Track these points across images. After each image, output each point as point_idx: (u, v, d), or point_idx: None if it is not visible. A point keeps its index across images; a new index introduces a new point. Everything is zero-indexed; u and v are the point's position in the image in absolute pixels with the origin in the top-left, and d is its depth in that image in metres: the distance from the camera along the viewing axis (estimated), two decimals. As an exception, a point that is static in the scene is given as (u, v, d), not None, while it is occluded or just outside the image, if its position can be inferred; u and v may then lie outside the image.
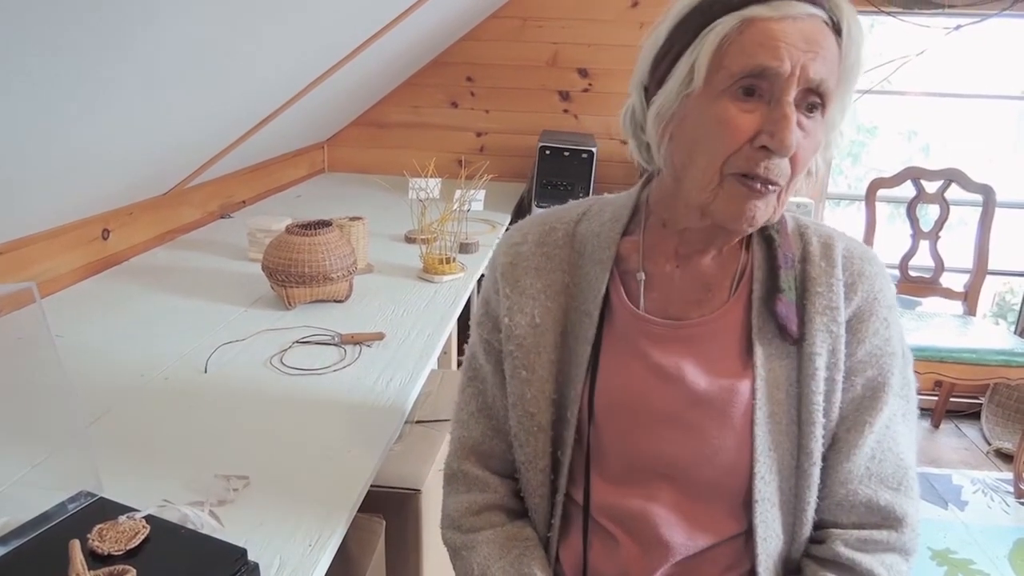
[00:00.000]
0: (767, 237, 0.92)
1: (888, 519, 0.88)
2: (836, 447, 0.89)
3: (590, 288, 0.93)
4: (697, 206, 0.85)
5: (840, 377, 0.87)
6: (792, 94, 0.77)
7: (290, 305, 1.67)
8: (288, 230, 1.68)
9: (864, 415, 0.88)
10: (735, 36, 0.78)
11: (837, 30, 0.79)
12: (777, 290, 0.88)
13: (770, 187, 0.81)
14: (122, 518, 0.85)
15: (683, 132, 0.84)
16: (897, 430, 0.90)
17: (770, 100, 0.78)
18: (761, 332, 0.89)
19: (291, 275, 1.62)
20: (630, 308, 0.92)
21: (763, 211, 0.82)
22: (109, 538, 0.82)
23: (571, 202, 1.02)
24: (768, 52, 0.77)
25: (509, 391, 0.95)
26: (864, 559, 0.86)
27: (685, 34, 0.81)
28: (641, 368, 0.91)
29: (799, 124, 0.79)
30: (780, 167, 0.79)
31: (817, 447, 0.86)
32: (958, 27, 2.91)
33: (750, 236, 0.92)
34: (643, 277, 0.93)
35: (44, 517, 0.86)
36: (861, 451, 0.87)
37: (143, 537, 0.83)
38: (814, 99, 0.79)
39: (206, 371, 1.37)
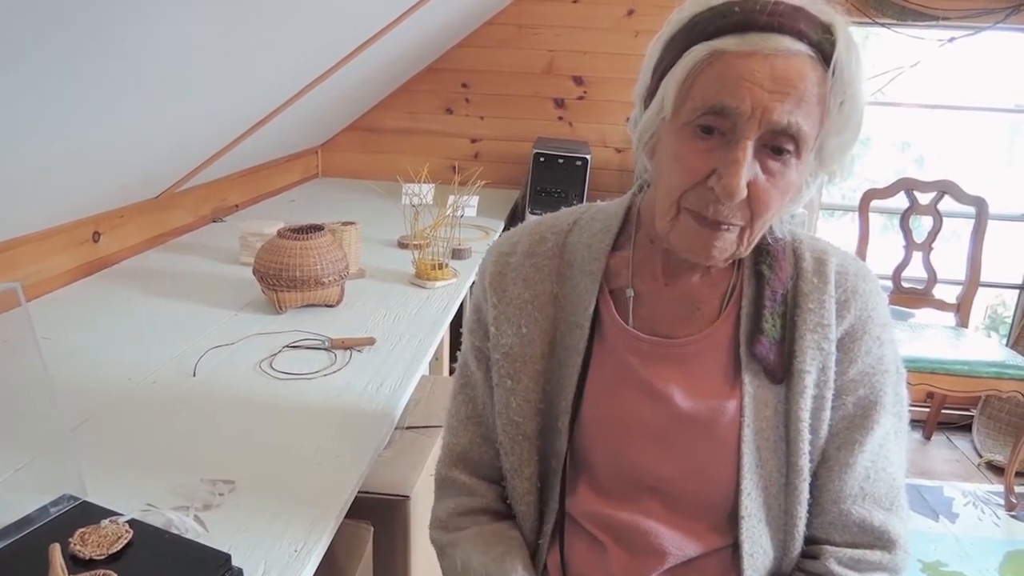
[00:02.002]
0: (759, 272, 0.90)
1: (881, 539, 0.87)
2: (827, 465, 0.88)
3: (580, 300, 0.92)
4: (661, 232, 0.84)
5: (830, 395, 0.86)
6: (752, 136, 0.74)
7: (281, 309, 1.67)
8: (280, 234, 1.67)
9: (855, 433, 0.87)
10: (704, 68, 0.76)
11: (828, 63, 0.74)
12: (759, 331, 0.87)
13: (723, 227, 0.79)
14: (105, 522, 0.84)
15: (658, 155, 0.84)
16: (890, 449, 0.89)
17: (730, 140, 0.75)
18: (749, 352, 0.88)
19: (282, 279, 1.62)
20: (620, 324, 0.91)
21: (720, 249, 0.81)
22: (91, 542, 0.81)
23: (564, 210, 1.01)
24: (728, 90, 0.73)
25: (495, 399, 0.95)
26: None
27: (669, 55, 0.80)
28: (629, 384, 0.90)
29: (764, 167, 0.76)
30: (731, 210, 0.77)
31: (806, 463, 0.86)
32: (952, 39, 2.93)
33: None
34: (632, 294, 0.92)
35: (26, 521, 0.85)
36: (853, 470, 0.86)
37: (126, 541, 0.82)
38: (784, 142, 0.75)
39: (195, 375, 1.36)
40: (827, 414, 0.86)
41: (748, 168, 0.75)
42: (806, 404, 0.85)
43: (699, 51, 0.75)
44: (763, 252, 0.90)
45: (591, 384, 0.91)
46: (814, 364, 0.86)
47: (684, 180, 0.78)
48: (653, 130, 0.83)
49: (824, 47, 0.74)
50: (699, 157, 0.77)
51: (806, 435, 0.85)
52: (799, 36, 0.73)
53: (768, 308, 0.87)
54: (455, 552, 0.95)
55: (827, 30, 0.74)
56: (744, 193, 0.75)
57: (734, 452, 0.85)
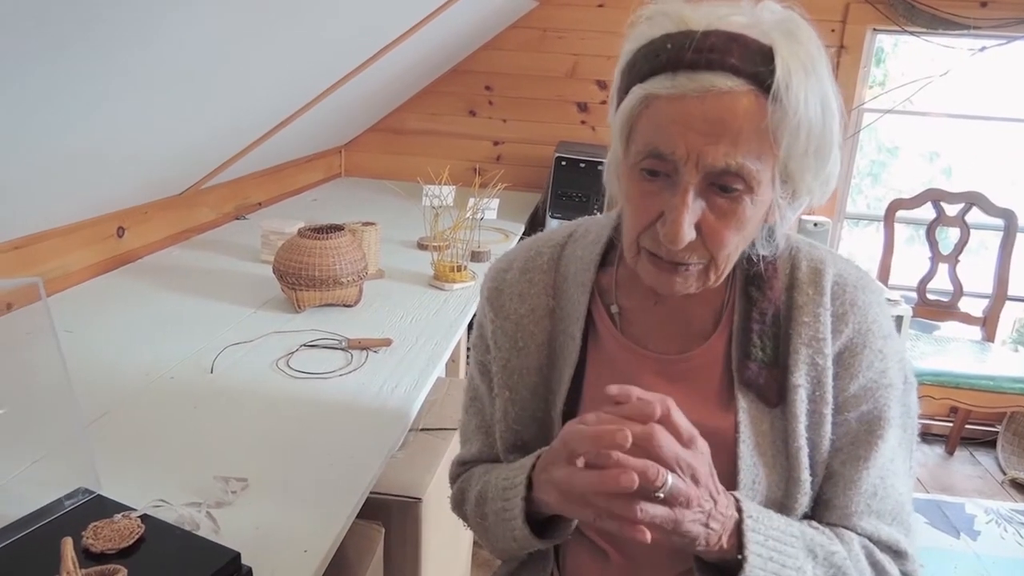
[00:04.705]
0: (747, 293, 0.87)
1: (890, 551, 0.86)
2: (832, 481, 0.86)
3: (573, 311, 0.92)
4: (631, 265, 0.84)
5: (828, 411, 0.84)
6: (693, 180, 0.72)
7: (299, 308, 1.67)
8: (300, 233, 1.68)
9: (859, 449, 0.85)
10: (641, 111, 0.75)
11: (774, 92, 0.69)
12: (746, 356, 0.85)
13: (680, 267, 0.78)
14: (117, 516, 0.85)
15: (621, 188, 0.83)
16: (897, 464, 0.87)
17: (674, 182, 0.74)
18: (742, 365, 0.86)
19: (301, 278, 1.62)
20: (616, 335, 0.91)
21: (683, 285, 0.80)
22: (103, 536, 0.82)
23: (561, 225, 1.02)
24: (662, 137, 0.72)
25: (495, 408, 0.96)
26: (876, 551, 0.84)
27: (620, 92, 0.79)
28: None
29: (714, 206, 0.74)
30: (685, 251, 0.76)
31: (807, 477, 0.84)
32: (983, 48, 2.88)
33: (733, 270, 0.88)
34: (617, 310, 0.92)
35: (40, 513, 0.86)
36: (859, 487, 0.84)
37: (137, 536, 0.83)
38: (730, 181, 0.73)
39: (212, 371, 1.37)
40: (827, 429, 0.84)
41: (691, 212, 0.74)
42: (802, 419, 0.83)
43: (635, 95, 0.75)
44: (752, 273, 0.87)
45: (588, 393, 0.91)
46: (808, 379, 0.84)
47: (637, 222, 0.78)
48: (616, 163, 0.83)
49: (762, 77, 0.69)
50: (647, 200, 0.77)
51: (805, 449, 0.84)
52: (732, 71, 0.69)
53: (756, 331, 0.85)
54: (469, 487, 0.97)
55: (766, 57, 0.70)
56: (689, 237, 0.74)
57: (730, 468, 0.83)
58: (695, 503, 0.71)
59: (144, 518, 0.86)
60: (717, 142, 0.71)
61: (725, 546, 0.75)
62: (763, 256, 0.86)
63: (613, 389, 0.72)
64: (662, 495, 0.69)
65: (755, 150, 0.72)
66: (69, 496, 0.89)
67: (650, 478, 0.67)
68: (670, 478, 0.69)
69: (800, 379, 0.84)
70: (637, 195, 0.78)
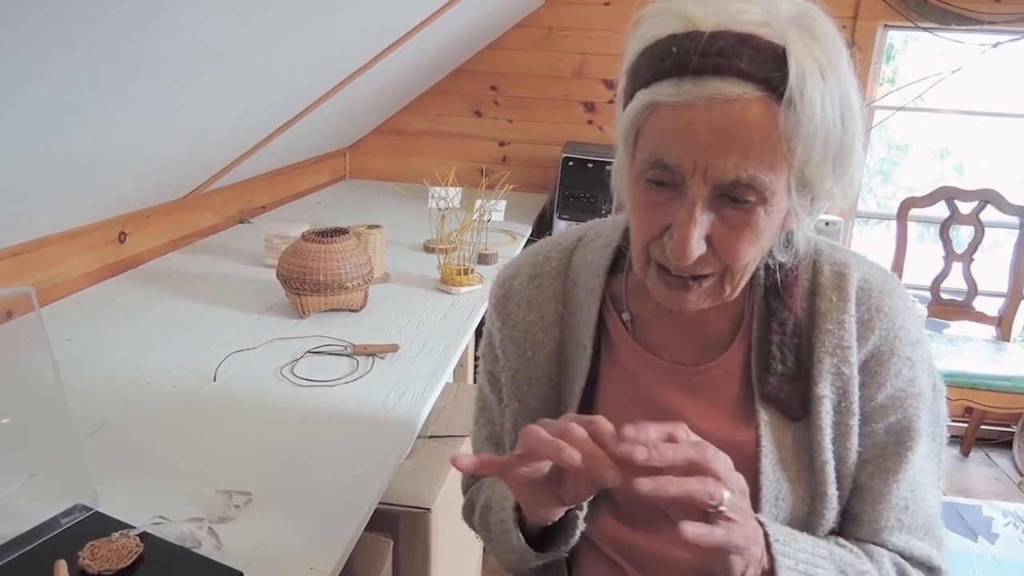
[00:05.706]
0: (769, 305, 0.82)
1: (922, 567, 0.82)
2: (860, 495, 0.82)
3: (584, 318, 0.89)
4: (639, 276, 0.79)
5: (854, 422, 0.80)
6: (701, 193, 0.68)
7: (304, 313, 1.64)
8: (304, 237, 1.65)
9: (887, 462, 0.81)
10: (646, 117, 0.70)
11: (787, 98, 0.64)
12: (767, 370, 0.81)
13: (691, 281, 0.74)
14: (116, 535, 0.82)
15: (628, 194, 0.78)
16: (928, 475, 0.83)
17: (682, 193, 0.69)
18: (762, 379, 0.82)
19: (305, 283, 1.59)
20: (631, 344, 0.87)
21: (694, 300, 0.75)
22: (101, 556, 0.79)
23: (570, 228, 0.98)
24: (667, 147, 0.68)
25: (506, 419, 0.93)
26: (908, 568, 0.80)
27: (625, 95, 0.75)
28: (640, 406, 0.86)
29: (725, 218, 0.70)
30: (697, 263, 0.71)
31: (834, 492, 0.80)
32: (996, 44, 2.84)
33: (752, 277, 0.83)
34: (628, 318, 0.88)
35: (36, 532, 0.83)
36: (889, 501, 0.81)
37: (136, 556, 0.80)
38: (742, 193, 0.68)
39: (215, 380, 1.34)
40: (854, 441, 0.80)
41: (700, 226, 0.69)
42: (828, 432, 0.80)
43: (639, 100, 0.70)
44: (771, 281, 0.83)
45: (603, 405, 0.87)
46: (833, 389, 0.80)
47: (646, 233, 0.74)
48: (622, 168, 0.78)
49: (775, 82, 0.64)
50: (654, 211, 0.72)
51: (832, 463, 0.80)
52: (741, 76, 0.64)
53: (776, 343, 0.81)
54: (478, 495, 0.95)
55: (779, 59, 0.64)
56: (699, 251, 0.70)
57: (752, 484, 0.79)
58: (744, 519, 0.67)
59: (143, 536, 0.83)
60: (726, 153, 0.66)
61: (767, 567, 0.71)
62: (782, 263, 0.81)
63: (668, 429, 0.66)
64: (724, 508, 0.64)
65: (768, 160, 0.67)
66: (66, 513, 0.86)
67: (712, 493, 0.63)
68: (726, 494, 0.64)
69: (824, 390, 0.80)
70: (643, 206, 0.73)
